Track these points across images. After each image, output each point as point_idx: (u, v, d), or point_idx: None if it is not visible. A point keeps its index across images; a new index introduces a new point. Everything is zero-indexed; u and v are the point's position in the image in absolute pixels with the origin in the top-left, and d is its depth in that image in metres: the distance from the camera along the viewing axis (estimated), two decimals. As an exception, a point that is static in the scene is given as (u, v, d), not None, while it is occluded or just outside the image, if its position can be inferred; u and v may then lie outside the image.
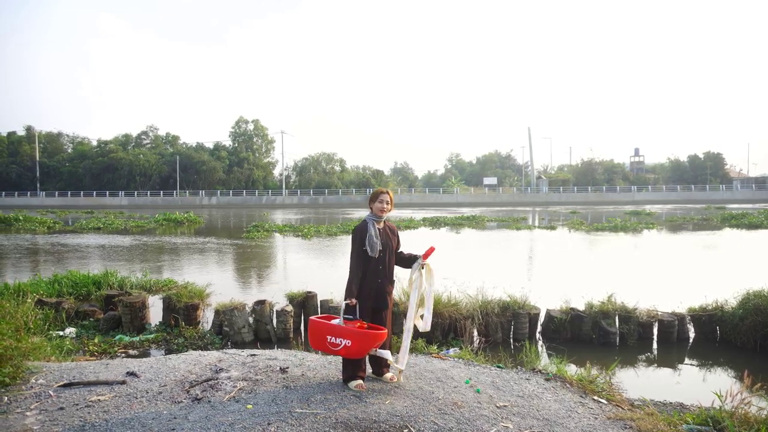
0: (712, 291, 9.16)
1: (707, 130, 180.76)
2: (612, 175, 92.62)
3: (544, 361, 6.81)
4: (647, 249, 21.17)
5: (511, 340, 8.64)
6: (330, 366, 5.26)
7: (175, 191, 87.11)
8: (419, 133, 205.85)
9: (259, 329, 8.54)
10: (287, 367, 5.06)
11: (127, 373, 4.93)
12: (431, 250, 4.75)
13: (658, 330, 8.57)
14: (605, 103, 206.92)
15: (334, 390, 4.50)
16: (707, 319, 8.66)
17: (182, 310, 8.84)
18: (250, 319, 8.57)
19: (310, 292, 9.31)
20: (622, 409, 4.99)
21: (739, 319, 8.24)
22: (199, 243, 23.93)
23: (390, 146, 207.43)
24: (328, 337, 4.38)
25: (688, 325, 8.76)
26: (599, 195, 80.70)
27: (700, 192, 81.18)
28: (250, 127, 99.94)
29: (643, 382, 6.92)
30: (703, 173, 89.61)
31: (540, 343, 8.59)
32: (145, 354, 7.62)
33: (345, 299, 4.59)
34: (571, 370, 6.49)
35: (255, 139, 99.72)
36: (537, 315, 8.86)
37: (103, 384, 4.66)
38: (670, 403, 5.82)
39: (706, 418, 4.00)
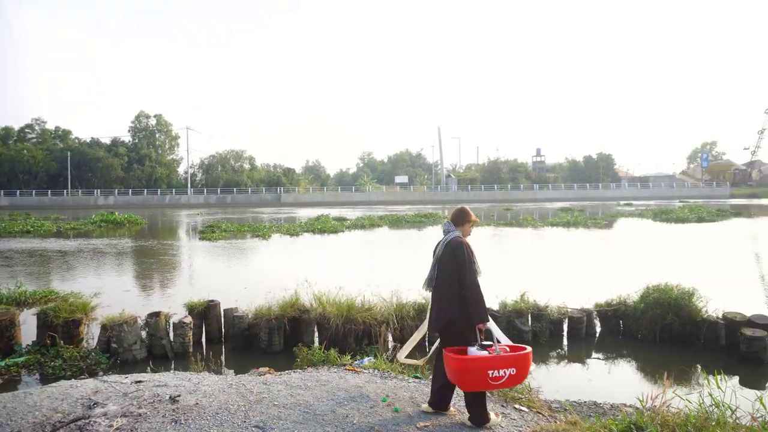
0: (624, 285, 9.42)
1: (600, 132, 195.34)
2: (516, 174, 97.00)
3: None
4: (589, 244, 22.03)
5: (427, 345, 8.40)
6: (230, 391, 4.64)
7: (66, 190, 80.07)
8: (331, 132, 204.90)
9: (153, 345, 7.65)
10: (178, 395, 4.38)
11: (-26, 414, 4.03)
12: None
13: (568, 326, 8.70)
14: (510, 104, 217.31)
15: (233, 422, 3.92)
16: (612, 314, 8.91)
17: (61, 327, 7.73)
18: (143, 334, 7.67)
19: (212, 301, 8.54)
20: (543, 416, 4.83)
21: (640, 312, 8.53)
22: (157, 246, 22.08)
23: (301, 144, 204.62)
24: (490, 372, 3.82)
25: (595, 320, 8.97)
26: (505, 193, 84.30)
27: (594, 190, 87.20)
28: (152, 122, 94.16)
29: (557, 380, 6.92)
30: (596, 172, 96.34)
31: (456, 345, 8.42)
32: (12, 382, 6.53)
33: (478, 322, 3.99)
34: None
35: (158, 135, 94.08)
36: (452, 316, 8.69)
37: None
38: (585, 402, 5.80)
39: (629, 424, 3.88)
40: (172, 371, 5.48)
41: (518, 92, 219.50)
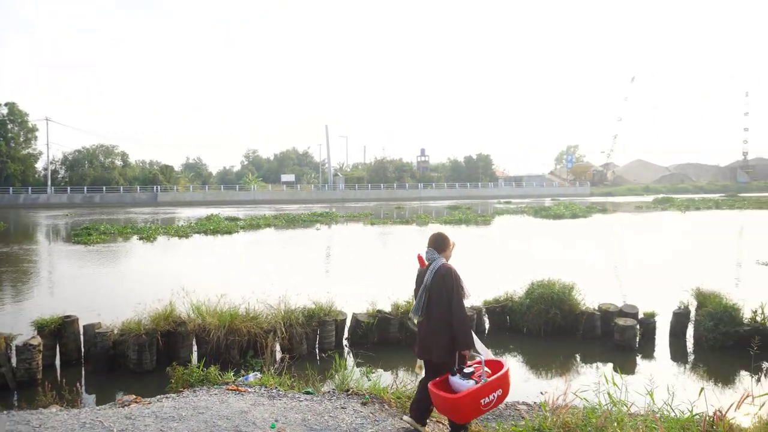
0: (512, 281, 9.62)
1: (479, 134, 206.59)
2: (402, 174, 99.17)
3: (356, 374, 6.23)
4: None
5: (317, 351, 7.96)
6: (83, 431, 3.84)
7: None
8: (214, 128, 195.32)
9: (-9, 373, 6.41)
10: (10, 445, 3.54)
11: None
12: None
13: (459, 325, 8.70)
14: (396, 105, 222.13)
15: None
16: (500, 310, 9.08)
17: None
18: (-23, 361, 6.39)
19: (68, 317, 7.38)
20: (443, 424, 4.61)
21: (526, 308, 8.76)
22: (18, 252, 18.94)
23: (181, 141, 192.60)
24: (483, 400, 3.84)
25: (484, 317, 9.08)
26: (391, 192, 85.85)
27: (474, 189, 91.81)
28: (3, 111, 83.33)
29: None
30: (476, 172, 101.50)
31: (347, 350, 8.08)
32: None
33: (462, 348, 4.05)
34: (385, 380, 6.04)
35: (10, 126, 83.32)
36: (344, 321, 8.33)
37: None
38: (480, 403, 5.70)
39: (532, 430, 3.75)
40: (7, 413, 4.40)
41: (403, 93, 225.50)
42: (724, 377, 6.91)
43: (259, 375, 5.84)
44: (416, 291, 4.47)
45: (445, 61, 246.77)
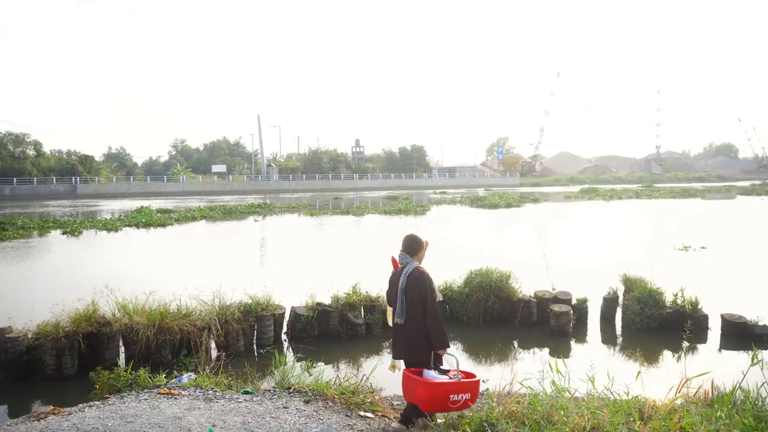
0: (452, 270, 9.61)
1: (413, 125, 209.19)
2: (337, 164, 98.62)
3: (297, 369, 6.02)
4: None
5: (255, 347, 7.68)
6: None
7: None
8: (138, 116, 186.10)
9: None
10: None
11: None
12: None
13: (399, 316, 8.65)
14: (330, 95, 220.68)
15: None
16: (440, 300, 9.10)
17: None
18: None
19: (-26, 321, 6.70)
20: (389, 419, 4.52)
21: (465, 296, 8.83)
22: None
23: (103, 128, 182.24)
24: (452, 396, 3.95)
25: (424, 307, 9.07)
26: (326, 183, 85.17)
27: (409, 179, 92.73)
28: None
29: (394, 374, 6.74)
30: (411, 163, 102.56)
31: (286, 345, 7.85)
32: None
33: (438, 348, 4.20)
34: (327, 374, 5.88)
35: None
36: (282, 315, 8.08)
37: None
38: (423, 394, 5.65)
39: (481, 423, 3.72)
40: None
41: (337, 83, 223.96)
42: (652, 358, 7.26)
43: (193, 375, 5.52)
44: (389, 293, 4.53)
45: (379, 52, 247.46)
